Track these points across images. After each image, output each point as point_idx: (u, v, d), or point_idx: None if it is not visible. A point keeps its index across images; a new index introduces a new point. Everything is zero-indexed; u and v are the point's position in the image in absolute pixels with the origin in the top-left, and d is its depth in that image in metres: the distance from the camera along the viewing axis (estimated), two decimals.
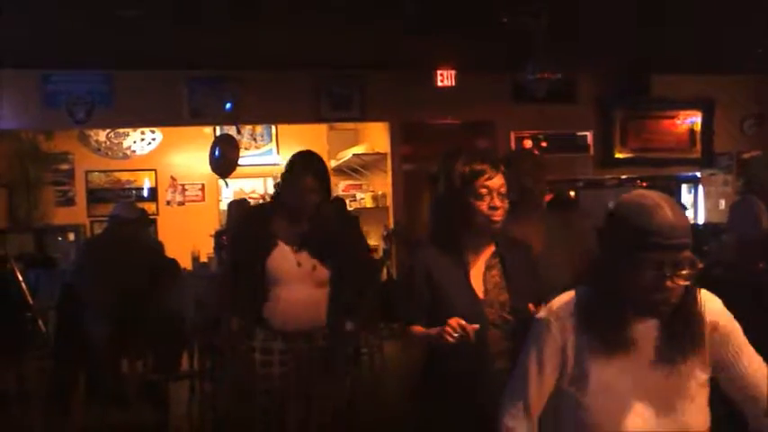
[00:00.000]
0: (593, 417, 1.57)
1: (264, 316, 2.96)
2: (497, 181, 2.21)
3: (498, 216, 2.21)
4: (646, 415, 1.55)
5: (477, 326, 2.04)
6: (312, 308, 3.00)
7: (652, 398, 1.56)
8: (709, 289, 1.63)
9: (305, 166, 3.00)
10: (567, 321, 1.62)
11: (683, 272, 1.47)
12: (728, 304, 1.62)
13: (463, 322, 2.03)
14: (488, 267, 2.25)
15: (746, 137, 8.17)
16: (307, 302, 2.98)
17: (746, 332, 1.63)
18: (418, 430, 2.36)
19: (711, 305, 1.62)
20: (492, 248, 2.28)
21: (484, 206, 2.19)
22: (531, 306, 2.07)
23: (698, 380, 1.58)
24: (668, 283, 1.46)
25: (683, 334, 1.55)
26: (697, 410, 1.58)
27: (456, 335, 2.01)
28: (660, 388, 1.56)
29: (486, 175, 2.20)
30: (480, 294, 2.21)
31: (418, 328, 2.22)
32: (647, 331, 1.57)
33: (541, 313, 1.69)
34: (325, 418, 3.10)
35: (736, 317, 1.64)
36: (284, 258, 2.95)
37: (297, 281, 2.95)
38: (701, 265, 1.47)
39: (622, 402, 1.56)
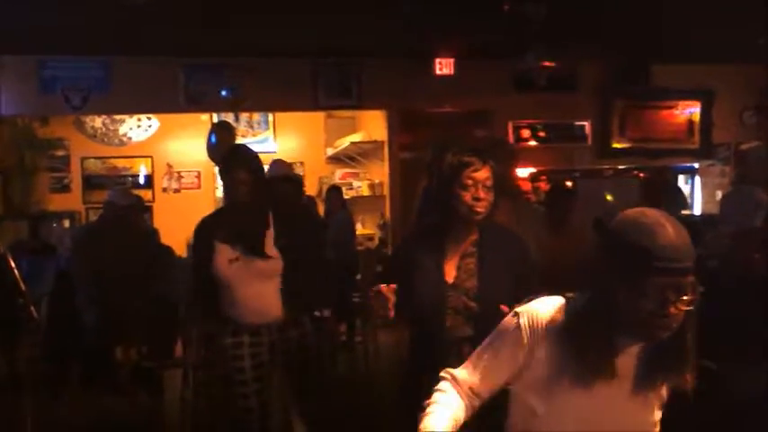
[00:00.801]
0: (546, 429, 1.50)
1: (229, 314, 3.04)
2: (483, 173, 2.26)
3: (481, 207, 2.26)
4: None
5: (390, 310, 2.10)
6: (265, 301, 3.03)
7: (613, 426, 1.49)
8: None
9: (234, 160, 3.05)
10: (544, 327, 1.54)
11: (686, 297, 1.38)
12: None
13: (384, 288, 2.11)
14: (465, 255, 2.30)
15: (745, 127, 8.14)
16: (257, 297, 3.02)
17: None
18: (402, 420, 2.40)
19: None
20: (474, 237, 2.32)
21: (468, 197, 2.25)
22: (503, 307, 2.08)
23: (655, 416, 1.54)
24: (671, 309, 1.38)
25: (671, 361, 1.48)
26: None
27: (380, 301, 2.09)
28: (625, 418, 1.50)
29: (473, 167, 2.25)
30: (450, 280, 2.27)
31: None
32: (628, 358, 1.50)
33: (519, 308, 1.60)
34: (309, 402, 3.15)
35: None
36: (224, 260, 3.01)
37: (240, 279, 3.00)
38: (701, 290, 1.40)
39: (581, 426, 1.49)
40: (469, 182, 2.24)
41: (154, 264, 4.85)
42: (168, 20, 5.44)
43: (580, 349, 1.47)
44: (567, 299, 1.56)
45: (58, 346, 4.72)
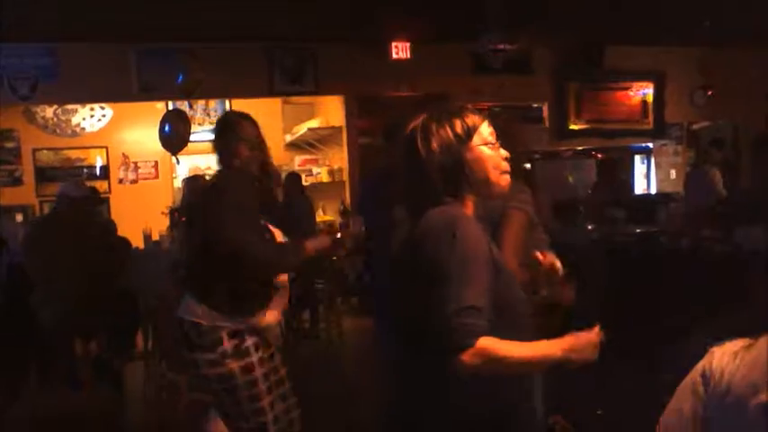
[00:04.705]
0: None
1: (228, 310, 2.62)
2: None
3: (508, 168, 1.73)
4: None
5: None
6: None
7: None
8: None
9: (246, 120, 2.82)
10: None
11: None
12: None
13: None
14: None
15: (696, 108, 8.32)
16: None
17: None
18: None
19: None
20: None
21: (497, 157, 1.70)
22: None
23: None
24: None
25: None
26: None
27: None
28: None
29: (487, 122, 1.76)
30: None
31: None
32: None
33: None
34: None
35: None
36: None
37: None
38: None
39: None
40: (491, 138, 1.71)
41: (110, 256, 4.77)
42: (118, 4, 5.32)
43: None
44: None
45: (14, 341, 4.62)
